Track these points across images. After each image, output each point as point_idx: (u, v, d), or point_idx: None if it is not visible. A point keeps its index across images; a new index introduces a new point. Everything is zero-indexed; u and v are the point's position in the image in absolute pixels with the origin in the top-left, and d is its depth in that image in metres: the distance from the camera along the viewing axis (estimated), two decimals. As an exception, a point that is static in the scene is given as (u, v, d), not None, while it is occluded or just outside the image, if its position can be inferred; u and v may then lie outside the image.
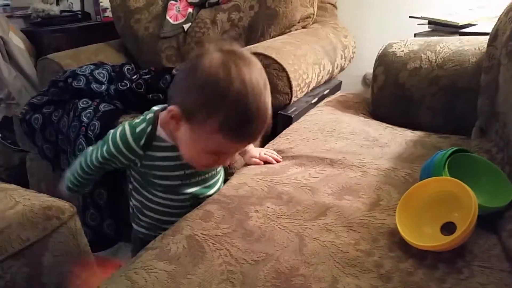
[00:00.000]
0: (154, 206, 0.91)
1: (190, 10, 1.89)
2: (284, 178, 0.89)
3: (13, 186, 1.12)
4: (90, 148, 0.91)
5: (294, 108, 1.42)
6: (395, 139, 1.05)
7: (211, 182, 0.93)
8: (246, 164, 1.01)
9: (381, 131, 1.10)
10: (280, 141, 1.09)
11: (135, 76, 1.58)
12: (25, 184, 1.29)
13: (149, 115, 0.84)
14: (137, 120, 0.84)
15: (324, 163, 0.94)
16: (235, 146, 0.77)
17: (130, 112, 1.51)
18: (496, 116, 0.90)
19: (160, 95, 1.47)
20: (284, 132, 1.17)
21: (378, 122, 1.18)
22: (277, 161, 0.99)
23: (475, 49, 1.11)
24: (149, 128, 0.82)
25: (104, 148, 0.84)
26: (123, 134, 0.82)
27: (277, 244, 0.70)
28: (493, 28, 0.98)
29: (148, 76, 1.56)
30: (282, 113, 1.39)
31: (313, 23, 1.87)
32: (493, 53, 0.95)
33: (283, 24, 1.72)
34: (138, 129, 0.82)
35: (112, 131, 0.85)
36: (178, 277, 0.65)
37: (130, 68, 1.69)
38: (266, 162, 0.99)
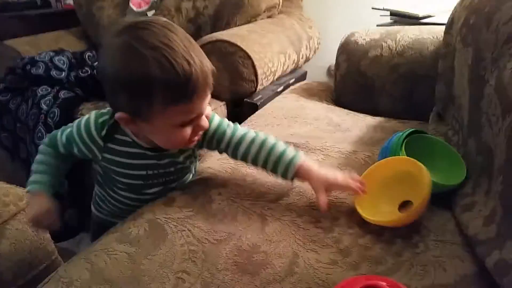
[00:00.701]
0: (115, 203, 0.89)
1: (154, -3, 1.86)
2: (248, 161, 0.89)
3: (-34, 173, 1.08)
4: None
5: (260, 96, 1.42)
6: (357, 124, 1.07)
7: (177, 183, 0.88)
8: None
9: (344, 117, 1.12)
10: (245, 127, 1.09)
11: (96, 63, 1.54)
12: (-19, 175, 1.24)
13: None
14: (104, 111, 0.80)
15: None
16: (196, 104, 0.69)
17: (90, 100, 1.47)
18: (452, 100, 0.93)
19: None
20: (249, 118, 1.17)
21: (341, 108, 1.21)
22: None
23: (433, 37, 1.14)
24: (112, 120, 0.78)
25: (67, 130, 0.81)
26: (87, 121, 0.79)
27: (240, 224, 0.70)
28: (449, 17, 1.02)
29: (110, 63, 1.52)
30: (248, 100, 1.40)
31: (278, 13, 1.88)
32: (449, 40, 0.98)
33: (249, 13, 1.72)
34: (101, 119, 0.78)
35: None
36: (138, 258, 0.65)
37: (91, 55, 1.65)
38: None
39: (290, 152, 0.76)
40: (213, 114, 0.82)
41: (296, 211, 0.73)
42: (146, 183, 0.83)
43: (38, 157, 0.84)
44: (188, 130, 0.71)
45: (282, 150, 0.77)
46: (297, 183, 0.81)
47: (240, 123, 1.15)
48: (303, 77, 1.81)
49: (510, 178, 0.57)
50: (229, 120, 1.30)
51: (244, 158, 0.80)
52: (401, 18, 1.56)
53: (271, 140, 0.79)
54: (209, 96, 0.71)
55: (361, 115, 1.15)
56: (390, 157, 0.74)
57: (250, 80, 1.38)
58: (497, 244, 0.57)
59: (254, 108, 1.35)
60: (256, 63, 1.36)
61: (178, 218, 0.73)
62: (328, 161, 0.88)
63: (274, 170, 0.77)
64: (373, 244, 0.65)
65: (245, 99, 1.39)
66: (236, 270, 0.61)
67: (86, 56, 1.61)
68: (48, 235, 1.01)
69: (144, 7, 1.86)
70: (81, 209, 1.45)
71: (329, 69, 2.18)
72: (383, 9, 1.63)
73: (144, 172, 0.82)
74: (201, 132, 0.76)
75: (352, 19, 1.98)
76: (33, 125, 1.40)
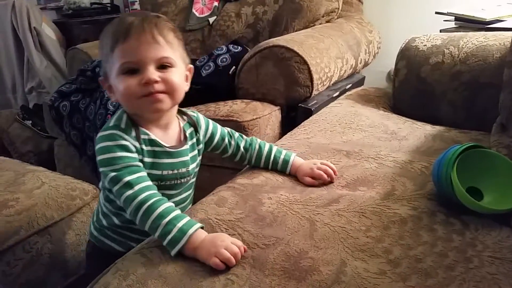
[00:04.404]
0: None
1: (215, 3, 1.92)
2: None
3: (40, 168, 1.17)
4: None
5: (314, 101, 1.42)
6: (414, 132, 1.04)
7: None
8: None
9: (401, 125, 1.09)
10: (298, 131, 1.10)
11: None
12: (52, 170, 1.34)
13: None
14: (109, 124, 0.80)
15: (340, 154, 0.94)
16: (133, 45, 0.74)
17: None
18: (517, 111, 0.89)
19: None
20: (302, 123, 1.18)
21: (398, 116, 1.18)
22: (331, 177, 0.85)
23: (500, 44, 1.09)
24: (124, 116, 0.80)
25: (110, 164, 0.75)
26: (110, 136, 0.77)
27: (288, 229, 0.71)
28: (518, 22, 0.97)
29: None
30: (302, 105, 1.40)
31: (337, 18, 1.86)
32: (517, 48, 0.93)
33: (307, 18, 1.73)
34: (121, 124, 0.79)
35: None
36: (191, 258, 0.67)
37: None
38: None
39: (283, 153, 0.90)
40: (207, 121, 0.91)
41: (345, 217, 0.73)
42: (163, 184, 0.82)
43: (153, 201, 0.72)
44: (132, 81, 0.74)
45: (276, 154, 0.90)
46: (348, 191, 0.81)
47: (293, 128, 1.17)
48: (360, 82, 1.78)
49: None
50: (283, 125, 1.32)
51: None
52: (466, 23, 1.50)
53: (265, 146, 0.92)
54: (156, 46, 0.75)
55: (419, 123, 1.11)
56: None
57: (306, 86, 1.38)
58: (559, 266, 0.54)
59: (309, 113, 1.35)
60: (312, 68, 1.37)
61: (229, 220, 0.74)
62: (381, 170, 0.87)
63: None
64: (424, 256, 0.63)
65: (299, 104, 1.40)
66: (283, 275, 0.62)
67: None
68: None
69: (206, 13, 1.92)
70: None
71: (389, 74, 2.13)
72: (447, 14, 1.57)
73: (159, 172, 0.80)
74: (159, 87, 0.75)
75: (414, 23, 1.93)
76: (100, 124, 1.50)
